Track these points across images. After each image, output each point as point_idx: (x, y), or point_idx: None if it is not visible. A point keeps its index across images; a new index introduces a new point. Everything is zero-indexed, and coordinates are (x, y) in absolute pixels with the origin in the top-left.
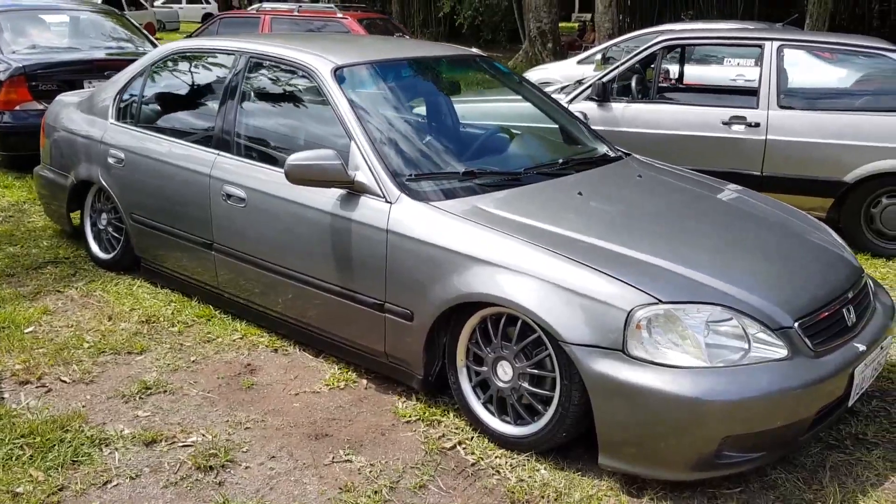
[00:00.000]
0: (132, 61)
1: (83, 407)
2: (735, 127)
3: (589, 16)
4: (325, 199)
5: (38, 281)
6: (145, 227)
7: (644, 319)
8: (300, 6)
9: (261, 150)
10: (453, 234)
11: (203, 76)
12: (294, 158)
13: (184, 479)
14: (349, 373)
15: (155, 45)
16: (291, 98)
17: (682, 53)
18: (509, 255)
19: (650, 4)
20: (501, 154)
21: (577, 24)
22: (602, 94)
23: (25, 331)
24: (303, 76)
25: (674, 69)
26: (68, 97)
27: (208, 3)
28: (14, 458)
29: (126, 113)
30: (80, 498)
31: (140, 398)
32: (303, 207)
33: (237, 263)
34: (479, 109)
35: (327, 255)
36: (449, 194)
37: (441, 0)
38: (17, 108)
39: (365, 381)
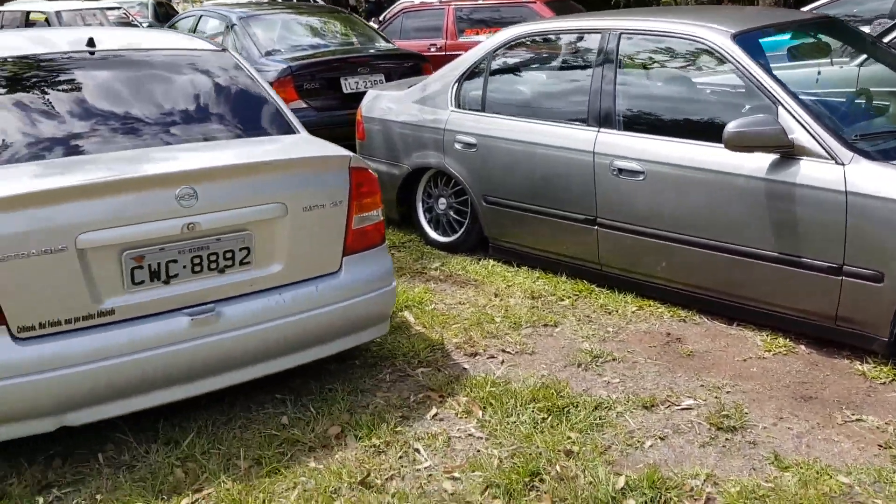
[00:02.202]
0: (379, 56)
1: (550, 375)
2: None
3: None
4: (753, 165)
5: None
6: (502, 209)
7: None
8: None
9: (654, 123)
10: None
11: (561, 57)
12: (735, 125)
13: (713, 440)
14: (780, 339)
15: (388, 41)
16: (677, 69)
17: None
18: None
19: None
20: None
21: None
22: None
23: (427, 308)
24: (693, 47)
25: None
26: (384, 91)
27: None
28: (541, 422)
29: (468, 100)
30: (627, 458)
31: (596, 366)
32: (725, 175)
33: (629, 237)
34: (841, 72)
35: (762, 222)
36: None
37: None
38: None
39: (803, 347)
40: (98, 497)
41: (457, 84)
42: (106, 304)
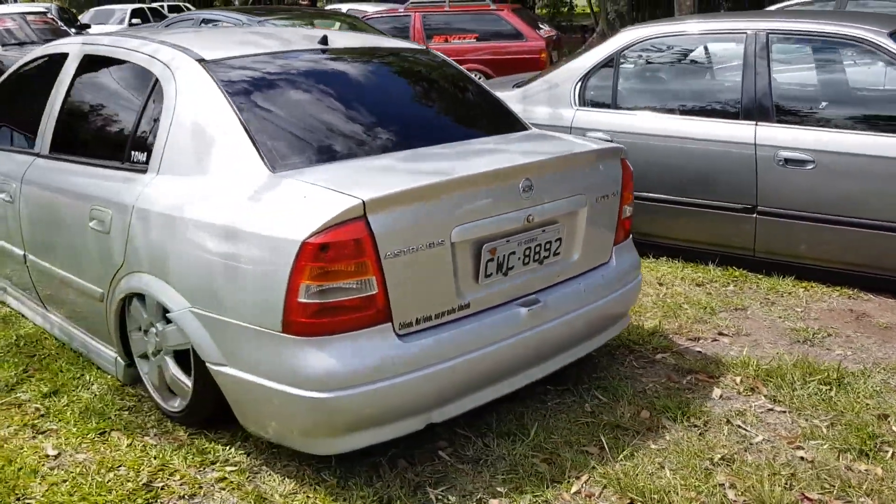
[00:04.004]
0: None
1: (788, 352)
2: None
3: None
4: None
5: None
6: (640, 202)
7: None
8: (449, 1)
9: (821, 115)
10: None
11: (700, 56)
12: None
13: None
14: None
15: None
16: (834, 66)
17: None
18: None
19: None
20: None
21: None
22: None
23: None
24: (847, 44)
25: None
26: None
27: (189, 9)
28: (828, 392)
29: (595, 98)
30: None
31: (819, 341)
32: None
33: (793, 223)
34: None
35: None
36: None
37: None
38: None
39: None
40: (498, 488)
41: (580, 83)
42: (465, 298)
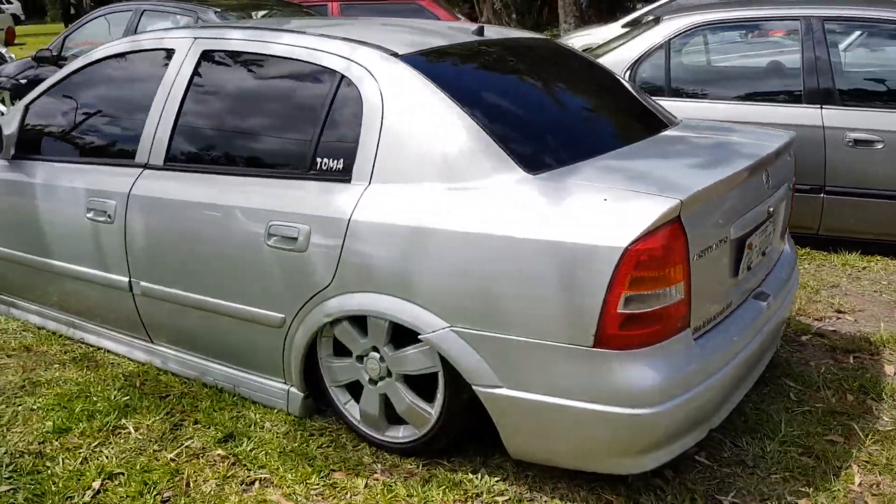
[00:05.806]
0: None
1: None
2: None
3: None
4: None
5: None
6: None
7: None
8: None
9: (885, 97)
10: None
11: (751, 43)
12: None
13: None
14: None
15: None
16: (891, 49)
17: None
18: None
19: None
20: None
21: None
22: None
23: None
24: None
25: None
26: None
27: (10, 3)
28: None
29: (643, 87)
30: None
31: None
32: None
33: (861, 200)
34: None
35: None
36: None
37: None
38: None
39: None
40: (800, 487)
41: (628, 72)
42: (730, 296)
